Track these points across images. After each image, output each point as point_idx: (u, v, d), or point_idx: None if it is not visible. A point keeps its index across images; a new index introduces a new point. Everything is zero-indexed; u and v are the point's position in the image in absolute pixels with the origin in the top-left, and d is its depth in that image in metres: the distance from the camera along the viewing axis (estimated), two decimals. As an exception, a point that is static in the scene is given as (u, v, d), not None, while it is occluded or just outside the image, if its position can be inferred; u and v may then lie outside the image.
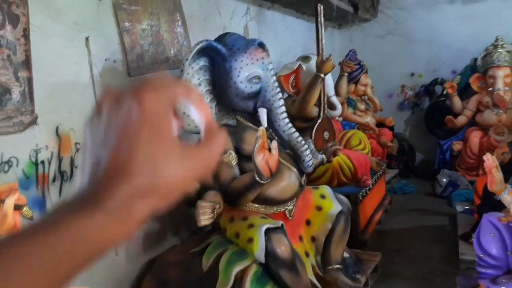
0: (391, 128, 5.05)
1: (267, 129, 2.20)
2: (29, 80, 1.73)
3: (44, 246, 0.34)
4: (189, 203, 2.04)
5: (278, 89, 2.18)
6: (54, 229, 0.35)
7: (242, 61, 2.11)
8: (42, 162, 1.80)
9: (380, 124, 4.97)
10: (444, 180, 4.30)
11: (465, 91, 4.77)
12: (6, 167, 1.65)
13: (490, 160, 2.01)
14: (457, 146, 4.56)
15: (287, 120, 2.20)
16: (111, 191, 0.37)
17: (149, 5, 2.45)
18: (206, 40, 2.07)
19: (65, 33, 1.93)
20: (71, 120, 1.94)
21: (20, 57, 1.70)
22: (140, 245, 2.32)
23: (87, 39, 2.04)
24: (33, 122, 1.75)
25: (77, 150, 1.97)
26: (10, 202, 1.26)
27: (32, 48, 1.75)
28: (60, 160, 1.88)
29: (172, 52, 2.57)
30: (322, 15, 3.31)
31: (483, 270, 2.00)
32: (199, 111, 0.44)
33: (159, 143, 0.39)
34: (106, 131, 0.39)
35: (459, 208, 3.63)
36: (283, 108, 2.19)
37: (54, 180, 1.86)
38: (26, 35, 1.72)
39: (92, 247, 0.37)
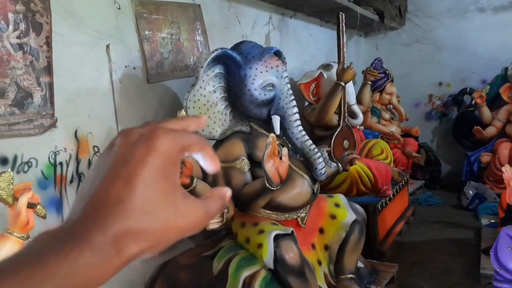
0: (417, 138, 4.95)
1: (280, 136, 2.21)
2: (50, 85, 1.82)
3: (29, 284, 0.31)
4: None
5: (292, 97, 2.19)
6: (40, 267, 0.32)
7: (256, 68, 2.13)
8: (61, 163, 1.88)
9: (406, 134, 4.88)
10: (471, 192, 4.17)
11: (495, 101, 4.64)
12: (26, 168, 1.74)
13: (508, 172, 1.95)
14: (485, 157, 4.42)
15: (300, 127, 2.21)
16: (101, 228, 0.34)
17: (170, 14, 2.53)
18: (222, 48, 2.11)
19: (86, 40, 2.02)
20: (89, 124, 2.02)
21: (42, 63, 1.79)
22: (155, 247, 2.37)
23: (107, 46, 2.12)
24: (53, 125, 1.84)
25: (95, 153, 2.05)
26: (24, 200, 1.32)
27: (54, 55, 1.84)
28: (78, 162, 1.96)
29: (191, 60, 2.64)
30: (343, 24, 3.31)
31: (499, 284, 1.93)
32: (211, 163, 0.42)
33: (162, 186, 0.36)
34: (112, 161, 0.37)
35: (484, 221, 3.51)
36: (297, 116, 2.20)
37: (71, 181, 1.93)
38: (48, 42, 1.81)
39: (75, 286, 0.33)
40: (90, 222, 0.34)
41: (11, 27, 1.68)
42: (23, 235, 1.32)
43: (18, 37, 1.70)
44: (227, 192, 0.42)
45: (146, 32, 2.35)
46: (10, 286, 0.31)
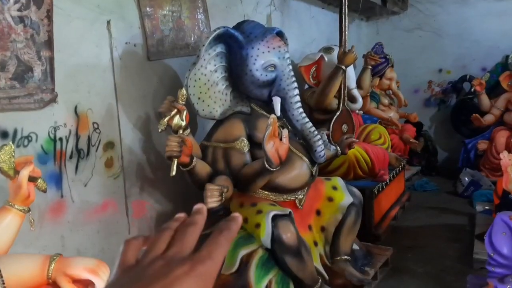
0: (416, 124, 4.95)
1: (280, 118, 2.21)
2: (51, 60, 1.81)
3: None
4: (201, 186, 2.08)
5: (294, 79, 2.19)
6: None
7: (258, 49, 2.12)
8: (60, 139, 1.88)
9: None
10: (466, 179, 4.21)
11: (494, 89, 4.64)
12: (26, 142, 1.74)
13: (506, 158, 1.97)
14: (482, 145, 4.45)
15: (301, 109, 2.21)
16: None
17: (172, -9, 2.49)
18: (224, 27, 2.09)
19: (87, 15, 1.99)
20: (89, 100, 2.01)
21: (43, 37, 1.77)
22: (152, 226, 2.39)
23: (108, 22, 2.10)
24: (53, 100, 1.83)
25: (94, 129, 2.04)
26: (25, 173, 1.32)
27: (55, 29, 1.82)
28: (77, 138, 1.96)
29: (192, 38, 2.61)
30: (346, 6, 3.28)
31: (493, 269, 1.96)
32: None
33: None
34: (150, 272, 0.39)
35: (479, 208, 3.56)
36: (298, 98, 2.19)
37: (71, 157, 1.94)
38: (49, 16, 1.79)
39: None
40: None
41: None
42: (24, 208, 1.32)
43: (19, 10, 1.68)
44: None
45: (147, 8, 2.33)
46: None
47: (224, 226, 0.45)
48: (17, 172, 1.31)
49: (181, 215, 0.47)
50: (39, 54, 1.76)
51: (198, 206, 0.47)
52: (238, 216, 0.47)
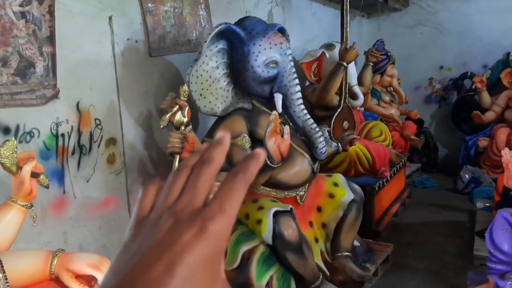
0: (417, 121, 4.96)
1: (281, 114, 2.21)
2: (53, 56, 1.80)
3: None
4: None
5: (295, 75, 2.18)
6: None
7: (260, 45, 2.12)
8: (62, 135, 1.88)
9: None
10: (467, 176, 4.21)
11: (495, 86, 4.63)
12: (28, 138, 1.74)
13: (507, 155, 1.97)
14: (483, 142, 4.45)
15: (302, 106, 2.21)
16: None
17: (173, -13, 2.49)
18: (226, 23, 2.09)
19: (89, 11, 1.99)
20: (91, 97, 2.01)
21: (45, 33, 1.77)
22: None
23: (110, 18, 2.09)
24: (55, 96, 1.83)
25: (96, 125, 2.04)
26: (27, 169, 1.32)
27: (56, 25, 1.82)
28: (79, 134, 1.96)
29: (194, 34, 2.61)
30: (347, 3, 3.27)
31: (493, 265, 1.97)
32: None
33: (203, 277, 0.33)
34: (156, 239, 0.34)
35: (479, 204, 3.56)
36: (299, 94, 2.19)
37: (73, 153, 1.94)
38: (51, 11, 1.78)
39: None
40: None
41: (13, -5, 1.65)
42: (27, 203, 1.32)
43: (21, 5, 1.68)
44: None
45: (149, 4, 2.32)
46: None
47: (242, 166, 0.37)
48: (19, 167, 1.31)
49: (202, 147, 0.39)
50: (41, 50, 1.76)
51: (220, 134, 0.39)
52: (260, 153, 0.39)
